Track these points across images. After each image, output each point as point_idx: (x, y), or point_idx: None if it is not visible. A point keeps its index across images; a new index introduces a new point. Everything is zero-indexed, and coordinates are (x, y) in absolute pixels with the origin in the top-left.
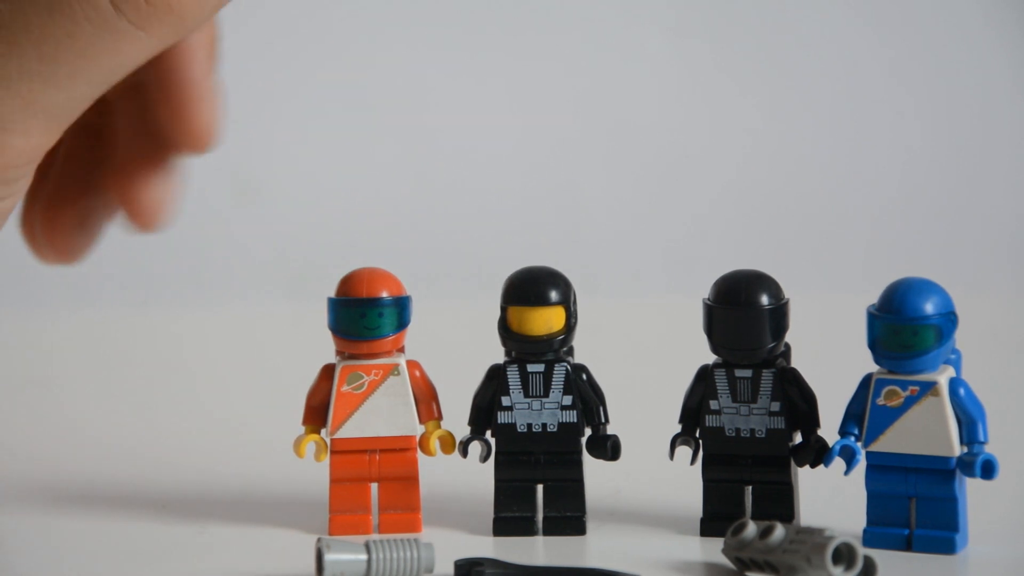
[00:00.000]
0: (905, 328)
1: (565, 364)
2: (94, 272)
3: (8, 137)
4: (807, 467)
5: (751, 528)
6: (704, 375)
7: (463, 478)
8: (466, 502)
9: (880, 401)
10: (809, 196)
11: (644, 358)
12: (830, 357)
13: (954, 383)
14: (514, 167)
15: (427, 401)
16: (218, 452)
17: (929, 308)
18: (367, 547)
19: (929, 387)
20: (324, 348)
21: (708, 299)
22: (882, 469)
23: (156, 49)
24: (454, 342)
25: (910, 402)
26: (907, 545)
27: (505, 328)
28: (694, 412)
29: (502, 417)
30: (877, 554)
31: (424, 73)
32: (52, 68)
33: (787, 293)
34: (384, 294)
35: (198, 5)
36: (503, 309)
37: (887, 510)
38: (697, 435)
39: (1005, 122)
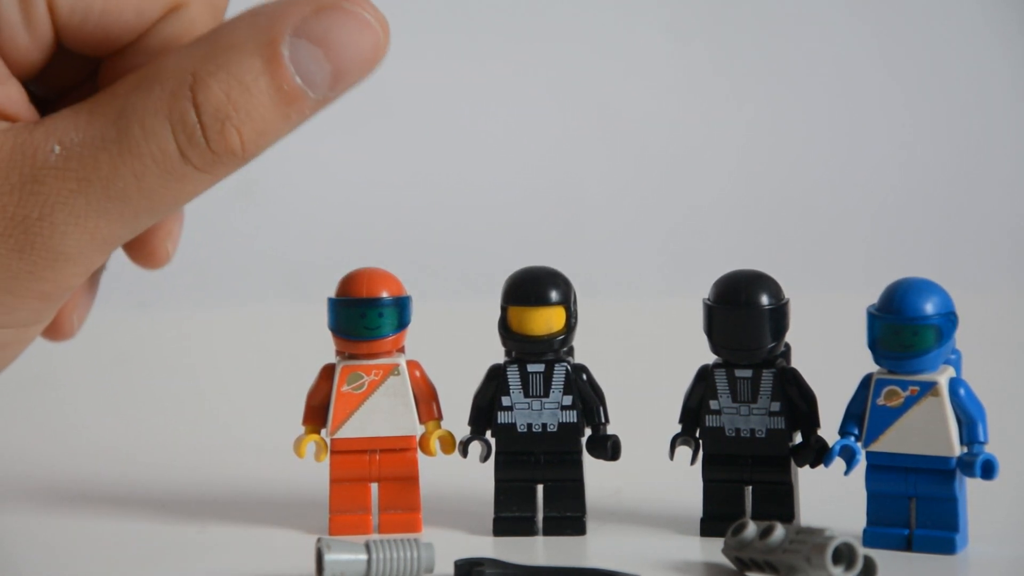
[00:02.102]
0: (905, 328)
1: (565, 364)
2: None
3: (70, 266)
4: (807, 467)
5: (751, 528)
6: (704, 375)
7: (463, 478)
8: (466, 502)
9: (880, 401)
10: (809, 196)
11: (644, 358)
12: (830, 357)
13: (954, 383)
14: (514, 168)
15: (427, 401)
16: (218, 452)
17: (929, 308)
18: (367, 547)
19: (929, 387)
20: (324, 348)
21: (708, 299)
22: (882, 469)
23: (213, 184)
24: (454, 342)
25: (910, 402)
26: (907, 545)
27: (505, 328)
28: (694, 412)
29: (502, 417)
30: (877, 554)
31: (425, 74)
32: (120, 206)
33: (787, 293)
34: (384, 294)
35: (256, 145)
36: (503, 309)
37: (887, 510)
38: (697, 435)
39: (1005, 122)
